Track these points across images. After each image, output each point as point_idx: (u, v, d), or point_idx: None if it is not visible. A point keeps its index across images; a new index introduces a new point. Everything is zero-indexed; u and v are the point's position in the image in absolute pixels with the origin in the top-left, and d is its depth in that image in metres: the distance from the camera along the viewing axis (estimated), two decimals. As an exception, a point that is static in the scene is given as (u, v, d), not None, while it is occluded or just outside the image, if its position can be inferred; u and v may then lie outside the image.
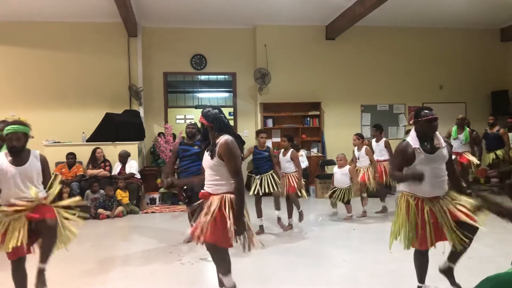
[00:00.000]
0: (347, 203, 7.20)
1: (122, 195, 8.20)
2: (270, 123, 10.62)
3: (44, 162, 3.70)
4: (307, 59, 10.71)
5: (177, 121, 13.59)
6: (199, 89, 11.78)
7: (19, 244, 3.39)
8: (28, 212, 3.50)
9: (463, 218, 3.44)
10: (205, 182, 3.42)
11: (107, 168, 8.65)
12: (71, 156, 8.58)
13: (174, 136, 10.02)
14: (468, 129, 8.47)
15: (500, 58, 11.50)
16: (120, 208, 7.97)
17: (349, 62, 10.87)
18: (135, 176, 8.67)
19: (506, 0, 9.05)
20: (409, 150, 3.57)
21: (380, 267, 4.82)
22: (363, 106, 11.08)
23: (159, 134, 10.05)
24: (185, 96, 12.15)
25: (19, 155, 3.54)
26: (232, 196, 3.28)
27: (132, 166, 8.68)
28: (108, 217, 7.78)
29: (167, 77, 10.67)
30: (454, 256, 3.71)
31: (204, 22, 10.24)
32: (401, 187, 3.74)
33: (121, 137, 9.04)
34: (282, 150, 6.68)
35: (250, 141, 10.16)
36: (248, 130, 10.69)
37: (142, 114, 10.04)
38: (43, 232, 3.56)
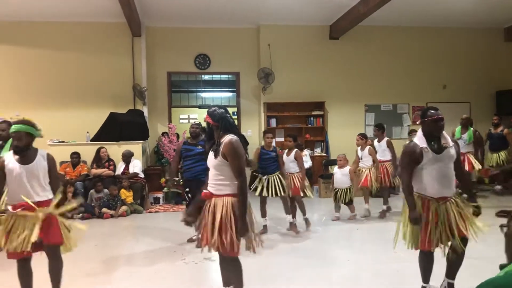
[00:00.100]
0: (350, 203, 7.20)
1: (126, 195, 8.22)
2: (273, 122, 10.61)
3: (51, 161, 3.69)
4: (311, 59, 10.70)
5: (181, 120, 13.60)
6: (203, 89, 11.79)
7: (27, 248, 3.40)
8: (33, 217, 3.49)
9: (457, 230, 3.48)
10: (209, 182, 3.41)
11: (111, 167, 8.68)
12: (75, 156, 8.61)
13: (177, 135, 10.03)
14: (472, 129, 8.43)
15: (504, 58, 11.45)
16: (124, 208, 8.00)
17: (353, 62, 10.85)
18: (139, 175, 8.69)
19: (510, -1, 9.03)
20: (417, 150, 3.57)
21: (384, 267, 4.82)
22: (367, 105, 11.06)
23: (163, 134, 10.07)
24: (188, 96, 12.16)
25: (25, 154, 3.54)
26: (236, 199, 3.26)
27: (136, 166, 8.71)
28: (112, 216, 7.80)
29: (171, 76, 10.69)
30: (451, 271, 3.73)
31: (208, 21, 10.25)
32: None
33: (125, 136, 9.06)
34: (286, 150, 6.63)
35: (254, 140, 10.21)
36: (251, 130, 10.69)
37: (146, 113, 10.06)
38: (48, 255, 3.60)
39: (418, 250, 3.74)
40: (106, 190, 8.14)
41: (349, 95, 10.86)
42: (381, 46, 10.92)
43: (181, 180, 6.30)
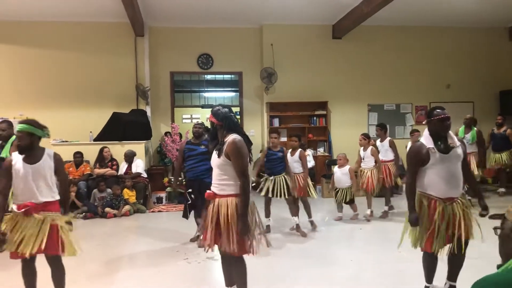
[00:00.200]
0: (351, 202, 7.18)
1: (129, 194, 8.23)
2: (276, 122, 10.60)
3: (58, 161, 3.66)
4: (314, 59, 10.69)
5: (184, 120, 13.63)
6: (206, 89, 11.81)
7: (32, 251, 3.40)
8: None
9: (460, 232, 3.48)
10: (212, 182, 3.40)
11: (114, 167, 8.69)
12: (79, 155, 8.63)
13: (180, 135, 10.04)
14: (475, 129, 8.40)
15: (508, 57, 11.39)
16: (127, 207, 8.01)
17: (356, 61, 10.84)
18: (142, 175, 8.70)
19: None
20: (423, 150, 3.55)
21: (387, 267, 4.82)
22: (370, 105, 11.04)
23: (165, 134, 10.08)
24: (191, 96, 12.19)
25: (30, 154, 3.53)
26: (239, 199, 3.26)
27: (139, 166, 8.72)
28: (115, 216, 7.81)
29: (173, 76, 10.70)
30: (452, 274, 3.73)
31: (211, 21, 10.25)
32: (416, 186, 3.70)
33: (128, 136, 9.07)
34: (290, 149, 6.55)
35: (256, 140, 10.22)
36: (254, 129, 10.69)
37: (149, 113, 10.08)
38: (49, 263, 3.60)
39: (417, 249, 3.74)
40: (109, 190, 8.15)
41: (352, 95, 10.85)
42: (384, 45, 10.90)
43: (183, 180, 6.31)
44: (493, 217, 3.35)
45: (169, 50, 10.45)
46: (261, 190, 6.24)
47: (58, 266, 3.62)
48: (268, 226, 6.33)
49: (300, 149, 6.54)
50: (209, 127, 3.52)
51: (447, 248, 3.61)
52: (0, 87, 9.75)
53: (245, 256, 3.38)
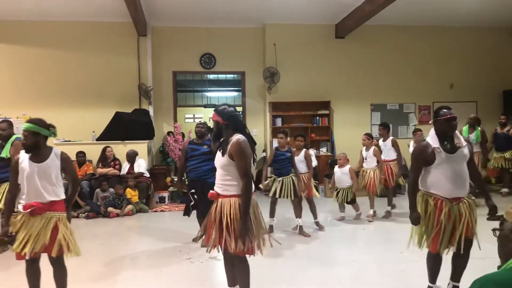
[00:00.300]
0: (353, 202, 7.15)
1: (132, 194, 8.24)
2: (279, 122, 10.59)
3: (65, 160, 3.64)
4: (317, 58, 10.68)
5: (186, 120, 13.63)
6: (208, 88, 11.80)
7: (35, 250, 3.41)
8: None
9: (466, 232, 3.48)
10: (216, 182, 3.39)
11: (117, 167, 8.71)
12: (81, 155, 8.65)
13: (183, 135, 10.04)
14: (479, 128, 8.37)
15: (512, 57, 11.39)
16: (129, 207, 8.01)
17: (359, 61, 10.82)
18: (144, 175, 8.71)
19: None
20: (429, 150, 3.54)
21: (390, 267, 4.80)
22: (372, 105, 11.02)
23: (168, 133, 10.08)
24: (194, 95, 12.18)
25: (37, 153, 3.52)
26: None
27: (141, 165, 8.72)
28: (117, 215, 7.82)
29: (176, 76, 10.70)
30: (456, 274, 3.71)
31: (213, 21, 10.25)
32: (422, 186, 3.70)
33: (130, 136, 9.08)
34: (294, 149, 6.49)
35: (259, 140, 10.23)
36: (257, 129, 10.68)
37: (151, 113, 10.08)
38: (51, 263, 3.60)
39: (426, 250, 3.72)
40: (111, 189, 8.16)
41: (355, 95, 10.83)
42: (387, 45, 10.88)
43: (186, 180, 6.30)
44: (491, 218, 3.34)
45: (171, 49, 10.45)
46: (270, 192, 6.20)
47: (60, 266, 3.62)
48: (271, 226, 6.32)
49: (304, 149, 6.53)
50: (212, 126, 3.50)
51: (451, 248, 3.60)
52: (4, 87, 9.79)
53: (248, 256, 3.37)
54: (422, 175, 3.67)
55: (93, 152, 8.86)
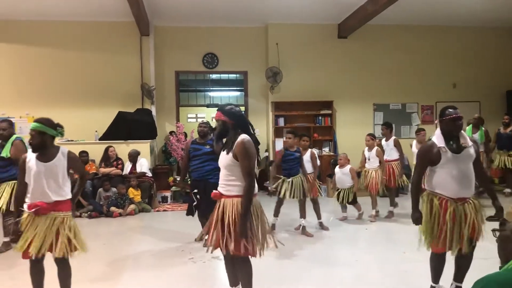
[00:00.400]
0: (354, 202, 7.14)
1: (134, 193, 8.25)
2: (281, 122, 10.59)
3: (71, 159, 3.63)
4: (319, 58, 10.67)
5: (189, 119, 13.63)
6: (211, 88, 11.79)
7: (41, 251, 3.42)
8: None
9: (471, 233, 3.47)
10: (219, 182, 3.39)
11: (120, 166, 8.72)
12: (84, 154, 8.66)
13: (185, 134, 10.05)
14: (483, 128, 8.34)
15: (515, 57, 11.34)
16: (132, 206, 8.03)
17: (362, 61, 10.80)
18: (147, 174, 8.72)
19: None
20: (434, 149, 3.53)
21: (393, 267, 4.80)
22: (375, 105, 11.00)
23: (170, 133, 10.09)
24: (196, 95, 12.18)
25: (44, 152, 3.53)
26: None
27: (143, 165, 8.73)
28: (120, 215, 7.83)
29: (179, 76, 10.71)
30: (459, 275, 3.70)
31: (216, 20, 10.26)
32: (427, 186, 3.69)
33: (133, 135, 9.09)
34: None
35: (261, 140, 10.21)
36: (259, 129, 10.67)
37: (154, 112, 10.10)
38: (56, 263, 3.61)
39: (429, 251, 3.71)
40: (114, 189, 8.17)
41: (357, 94, 10.82)
42: (389, 45, 10.86)
43: (188, 180, 6.30)
44: (491, 218, 3.32)
45: (174, 49, 10.46)
46: (279, 193, 6.17)
47: (64, 266, 3.63)
48: (273, 225, 6.31)
49: (310, 149, 6.54)
50: (217, 126, 3.48)
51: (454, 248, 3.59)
52: (7, 86, 9.81)
53: (251, 257, 3.37)
54: (427, 175, 3.66)
55: (96, 152, 8.87)
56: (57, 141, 8.51)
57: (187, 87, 11.62)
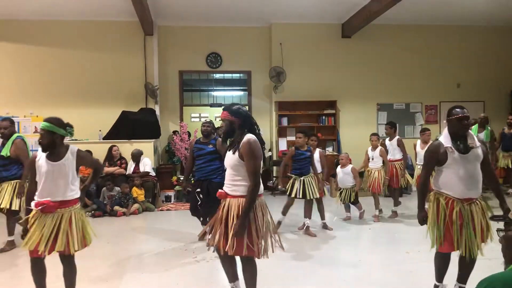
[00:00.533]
0: (355, 202, 7.12)
1: (138, 193, 8.26)
2: (285, 121, 10.59)
3: (79, 158, 3.64)
4: (323, 57, 10.66)
5: (192, 119, 13.64)
6: (214, 88, 11.79)
7: (42, 250, 3.42)
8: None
9: (479, 235, 3.46)
10: (225, 182, 3.39)
11: (123, 166, 8.74)
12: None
13: (189, 134, 10.06)
14: (489, 128, 8.29)
15: (520, 56, 11.29)
16: (136, 206, 8.04)
17: (365, 61, 10.78)
18: (150, 174, 8.73)
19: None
20: (441, 149, 3.52)
21: (396, 267, 4.79)
22: (379, 104, 10.98)
23: (174, 132, 10.10)
24: (200, 95, 12.18)
25: (52, 152, 3.54)
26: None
27: (146, 164, 8.75)
28: (124, 214, 7.85)
29: (182, 75, 10.72)
30: (462, 276, 3.69)
31: (220, 20, 10.26)
32: (434, 185, 3.68)
33: (137, 135, 9.11)
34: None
35: (265, 140, 10.17)
36: (262, 129, 10.57)
37: (157, 112, 10.11)
38: (62, 261, 3.63)
39: (433, 251, 3.69)
40: (117, 188, 8.19)
41: (361, 94, 10.80)
42: (393, 44, 10.84)
43: (192, 179, 6.29)
44: (494, 218, 3.30)
45: (178, 49, 10.46)
46: (290, 193, 6.17)
47: (70, 264, 3.64)
48: (279, 223, 6.30)
49: (318, 149, 6.56)
50: (223, 125, 3.47)
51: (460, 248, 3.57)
52: (11, 86, 9.85)
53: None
54: (434, 174, 3.65)
55: (100, 151, 8.87)
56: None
57: (191, 86, 11.63)
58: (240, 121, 3.33)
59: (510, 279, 1.74)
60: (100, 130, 9.42)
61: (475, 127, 8.33)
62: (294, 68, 10.44)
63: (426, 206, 3.72)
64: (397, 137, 7.47)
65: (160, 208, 8.49)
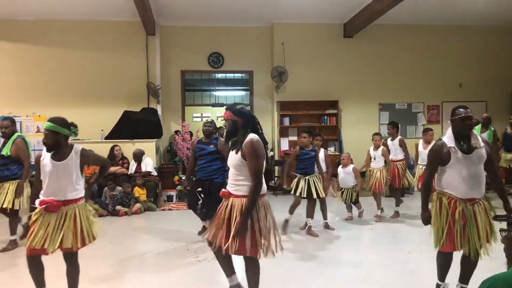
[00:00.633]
0: (356, 202, 7.11)
1: (140, 192, 8.27)
2: (287, 121, 10.59)
3: (83, 157, 3.62)
4: (325, 57, 10.65)
5: (194, 119, 13.64)
6: (216, 87, 11.79)
7: (47, 248, 3.43)
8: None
9: (483, 235, 3.44)
10: (228, 181, 3.37)
11: (125, 165, 8.75)
12: (90, 153, 8.68)
13: (191, 133, 10.06)
14: (492, 128, 8.27)
15: (523, 56, 11.26)
16: (137, 205, 8.05)
17: (367, 60, 10.77)
18: (152, 173, 8.74)
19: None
20: (443, 150, 3.51)
21: (398, 267, 4.78)
22: (381, 104, 10.97)
23: (176, 132, 10.11)
24: (202, 94, 12.18)
25: (57, 152, 3.54)
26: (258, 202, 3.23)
27: (148, 164, 8.76)
28: (126, 214, 7.85)
29: (184, 75, 10.73)
30: (464, 276, 3.68)
31: (222, 20, 10.26)
32: (437, 185, 3.67)
33: (139, 134, 9.12)
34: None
35: (267, 139, 10.16)
36: (264, 129, 10.57)
37: (159, 112, 10.12)
38: (65, 260, 3.64)
39: (435, 251, 3.69)
40: (119, 188, 8.20)
41: (363, 94, 10.79)
42: (395, 44, 10.82)
43: (193, 178, 6.29)
44: (497, 218, 3.29)
45: (180, 49, 10.47)
46: (295, 192, 6.17)
47: (73, 263, 3.65)
48: (287, 221, 6.29)
49: (323, 149, 6.57)
50: (226, 125, 3.47)
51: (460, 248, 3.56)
52: (13, 85, 9.87)
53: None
54: (438, 174, 3.64)
55: (102, 151, 8.80)
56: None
57: (193, 86, 11.63)
58: (243, 121, 3.32)
59: None
60: (102, 130, 9.44)
61: (478, 127, 8.31)
62: (296, 68, 10.43)
63: (430, 206, 3.71)
64: (399, 137, 7.46)
65: (162, 208, 8.50)
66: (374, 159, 7.26)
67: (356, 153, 8.93)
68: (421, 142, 7.53)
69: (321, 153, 6.50)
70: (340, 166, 7.23)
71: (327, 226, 6.58)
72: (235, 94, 12.71)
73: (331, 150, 10.68)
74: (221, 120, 11.98)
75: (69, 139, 3.63)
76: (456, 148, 3.47)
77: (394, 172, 7.22)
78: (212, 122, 5.99)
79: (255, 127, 3.36)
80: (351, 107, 10.76)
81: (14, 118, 5.96)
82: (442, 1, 9.21)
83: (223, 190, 3.37)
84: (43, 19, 9.82)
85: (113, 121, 9.23)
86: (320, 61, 10.62)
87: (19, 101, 9.77)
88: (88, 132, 9.41)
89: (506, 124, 9.12)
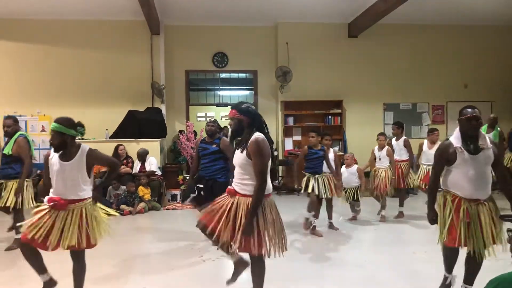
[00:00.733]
0: (356, 201, 7.07)
1: (144, 192, 8.29)
2: (291, 121, 10.58)
3: (91, 157, 3.61)
4: (329, 57, 10.63)
5: (198, 118, 13.67)
6: (220, 87, 11.81)
7: (51, 245, 3.44)
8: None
9: (488, 237, 3.42)
10: (234, 180, 3.36)
11: (130, 165, 8.77)
12: (95, 153, 8.70)
13: (195, 133, 10.07)
14: (498, 128, 8.23)
15: (529, 56, 11.20)
16: (142, 204, 8.07)
17: (372, 60, 10.75)
18: (156, 173, 8.75)
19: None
20: (449, 150, 3.50)
21: (403, 268, 4.77)
22: (385, 104, 10.95)
23: (180, 132, 10.12)
24: (206, 94, 12.20)
25: (64, 152, 3.56)
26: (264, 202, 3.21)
27: (152, 164, 8.77)
28: (130, 213, 7.87)
29: (189, 75, 10.74)
30: (469, 277, 3.66)
31: (226, 20, 10.27)
32: (443, 185, 3.66)
33: (143, 134, 9.13)
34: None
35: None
36: (268, 128, 10.61)
37: (164, 111, 10.13)
38: (72, 257, 3.65)
39: (440, 252, 3.67)
40: (123, 187, 8.22)
41: (367, 94, 10.77)
42: (400, 44, 10.80)
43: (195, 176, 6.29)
44: (504, 217, 3.27)
45: (184, 48, 10.49)
46: (306, 189, 6.18)
47: (80, 261, 3.65)
48: (307, 219, 6.29)
49: (332, 149, 6.56)
50: (232, 124, 3.46)
51: (464, 248, 3.55)
52: (18, 85, 9.91)
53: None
54: (444, 174, 3.63)
55: (106, 150, 8.77)
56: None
57: (197, 86, 11.65)
58: (249, 120, 3.32)
59: None
60: (106, 129, 9.46)
61: (484, 127, 8.27)
62: (300, 67, 10.42)
63: (436, 206, 3.70)
64: (403, 137, 7.42)
65: (166, 207, 8.51)
66: (379, 159, 7.23)
67: (360, 153, 8.90)
68: (426, 142, 7.49)
69: (331, 153, 6.47)
70: (344, 166, 7.21)
71: (331, 226, 6.57)
72: (239, 94, 12.74)
73: (335, 150, 10.63)
74: (225, 119, 12.01)
75: (76, 138, 3.64)
76: (463, 148, 3.45)
77: (398, 173, 7.19)
78: (215, 121, 5.97)
79: (261, 126, 3.35)
80: (356, 107, 10.74)
81: (18, 117, 5.99)
82: (447, 1, 9.18)
83: (229, 187, 3.36)
84: (48, 19, 9.85)
85: (118, 121, 9.25)
86: (324, 60, 10.60)
87: (24, 101, 9.82)
88: (92, 131, 9.39)
89: (512, 125, 9.09)
